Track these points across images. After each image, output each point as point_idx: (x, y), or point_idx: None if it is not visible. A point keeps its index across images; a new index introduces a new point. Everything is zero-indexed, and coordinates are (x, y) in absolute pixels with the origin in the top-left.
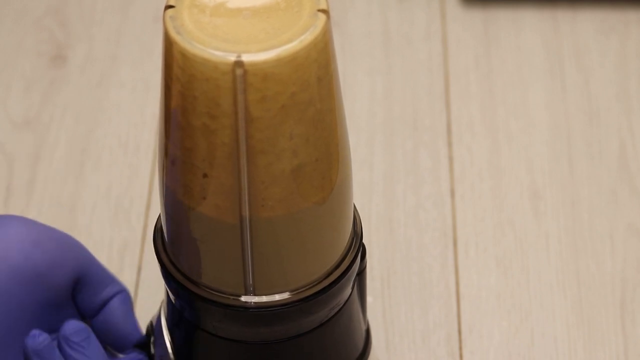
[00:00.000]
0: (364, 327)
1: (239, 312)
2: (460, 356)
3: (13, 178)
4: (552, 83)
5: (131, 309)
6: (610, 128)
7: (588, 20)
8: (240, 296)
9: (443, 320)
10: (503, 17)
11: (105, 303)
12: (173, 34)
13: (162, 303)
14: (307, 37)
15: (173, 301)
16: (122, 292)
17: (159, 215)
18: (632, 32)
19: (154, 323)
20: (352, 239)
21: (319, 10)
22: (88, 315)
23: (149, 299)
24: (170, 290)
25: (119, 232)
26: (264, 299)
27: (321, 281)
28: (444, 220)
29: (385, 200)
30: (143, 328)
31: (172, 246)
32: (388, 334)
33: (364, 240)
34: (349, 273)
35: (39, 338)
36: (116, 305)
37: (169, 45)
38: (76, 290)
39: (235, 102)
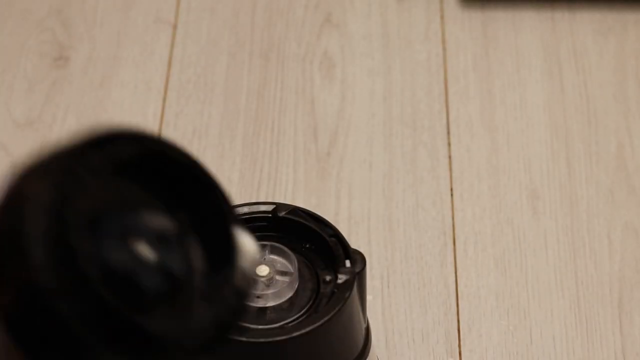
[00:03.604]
0: (363, 326)
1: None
2: (460, 354)
3: None
4: (551, 83)
5: None
6: (608, 128)
7: (586, 21)
8: None
9: (442, 319)
10: (502, 18)
11: None
12: None
13: None
14: None
15: None
16: None
17: None
18: (630, 33)
19: None
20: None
21: None
22: None
23: None
24: None
25: None
26: None
27: None
28: (443, 220)
29: (385, 199)
30: None
31: None
32: (388, 332)
33: (363, 239)
34: None
35: None
36: None
37: None
38: None
39: None
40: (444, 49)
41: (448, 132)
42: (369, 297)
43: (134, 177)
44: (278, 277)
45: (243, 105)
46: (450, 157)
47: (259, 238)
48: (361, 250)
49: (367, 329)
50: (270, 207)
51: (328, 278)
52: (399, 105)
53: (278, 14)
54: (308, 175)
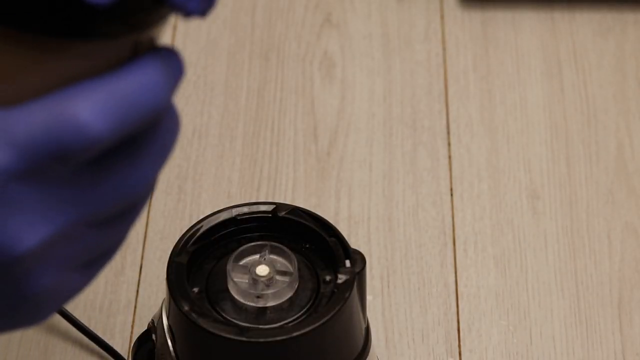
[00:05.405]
0: (363, 325)
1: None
2: (459, 354)
3: None
4: (550, 84)
5: None
6: (607, 129)
7: (586, 21)
8: None
9: (442, 319)
10: (501, 18)
11: None
12: None
13: (163, 301)
14: None
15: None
16: None
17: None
18: (630, 33)
19: (156, 321)
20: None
21: None
22: None
23: (150, 297)
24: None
25: None
26: None
27: None
28: (443, 220)
29: (385, 199)
30: (144, 327)
31: None
32: (387, 332)
33: (363, 239)
34: None
35: None
36: None
37: None
38: None
39: None
40: (444, 49)
41: (448, 132)
42: (369, 297)
43: None
44: (278, 277)
45: (243, 105)
46: (450, 157)
47: (259, 238)
48: (361, 250)
49: (367, 329)
50: (270, 207)
51: (328, 278)
52: (399, 105)
53: (278, 14)
54: (308, 175)
